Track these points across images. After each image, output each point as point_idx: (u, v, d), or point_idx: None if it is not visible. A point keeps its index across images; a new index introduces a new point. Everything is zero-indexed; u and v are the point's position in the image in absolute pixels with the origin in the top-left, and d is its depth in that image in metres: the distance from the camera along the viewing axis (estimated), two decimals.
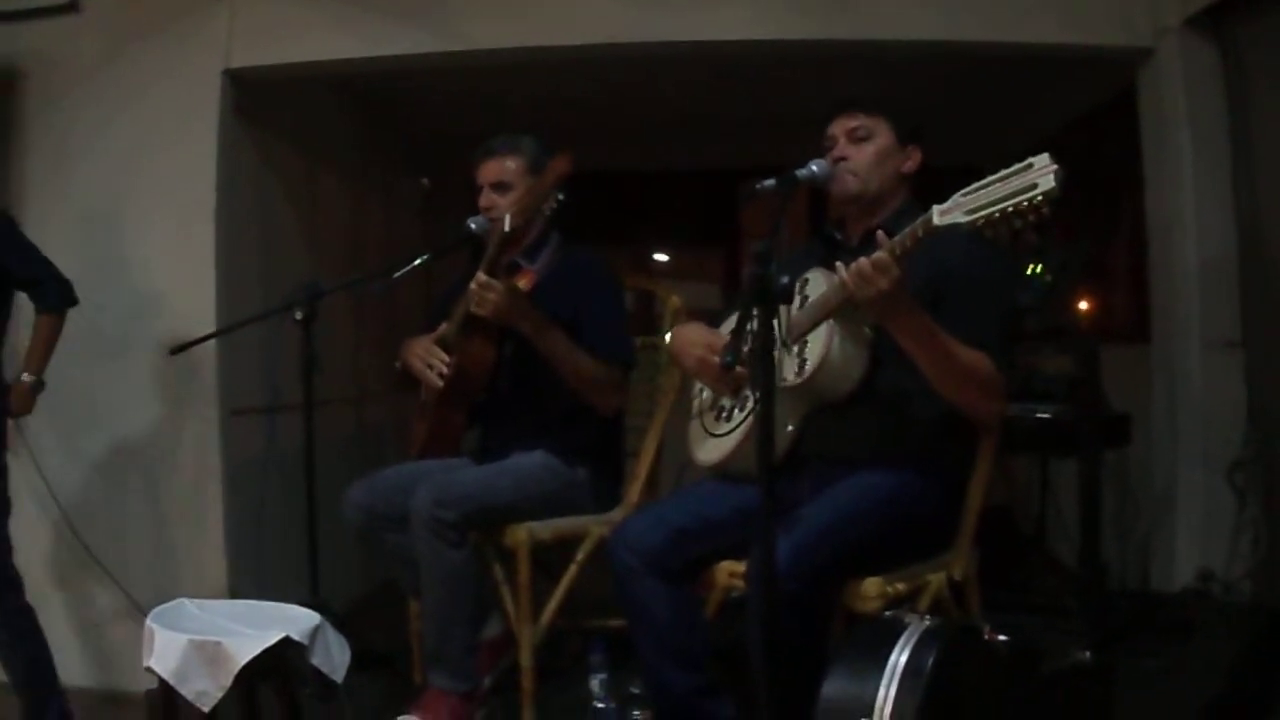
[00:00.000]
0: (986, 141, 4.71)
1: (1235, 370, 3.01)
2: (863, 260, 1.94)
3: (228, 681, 1.92)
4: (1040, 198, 1.68)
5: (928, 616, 1.87)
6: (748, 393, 2.30)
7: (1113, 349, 3.39)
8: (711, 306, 4.58)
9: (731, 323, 1.85)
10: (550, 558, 2.78)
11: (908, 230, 1.91)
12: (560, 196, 2.64)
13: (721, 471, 2.36)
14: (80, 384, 3.15)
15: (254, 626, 2.02)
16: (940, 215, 1.84)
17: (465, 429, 2.91)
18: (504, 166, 2.80)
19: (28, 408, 2.83)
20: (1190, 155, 3.05)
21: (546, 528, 2.69)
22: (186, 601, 2.17)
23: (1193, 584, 2.98)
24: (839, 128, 2.33)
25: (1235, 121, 3.02)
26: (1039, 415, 3.29)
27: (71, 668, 3.13)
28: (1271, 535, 2.90)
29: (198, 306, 3.20)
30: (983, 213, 1.76)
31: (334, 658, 2.09)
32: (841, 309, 2.09)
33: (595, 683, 2.58)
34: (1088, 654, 2.63)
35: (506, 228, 2.63)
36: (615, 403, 2.82)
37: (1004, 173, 1.75)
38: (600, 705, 2.55)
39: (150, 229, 3.24)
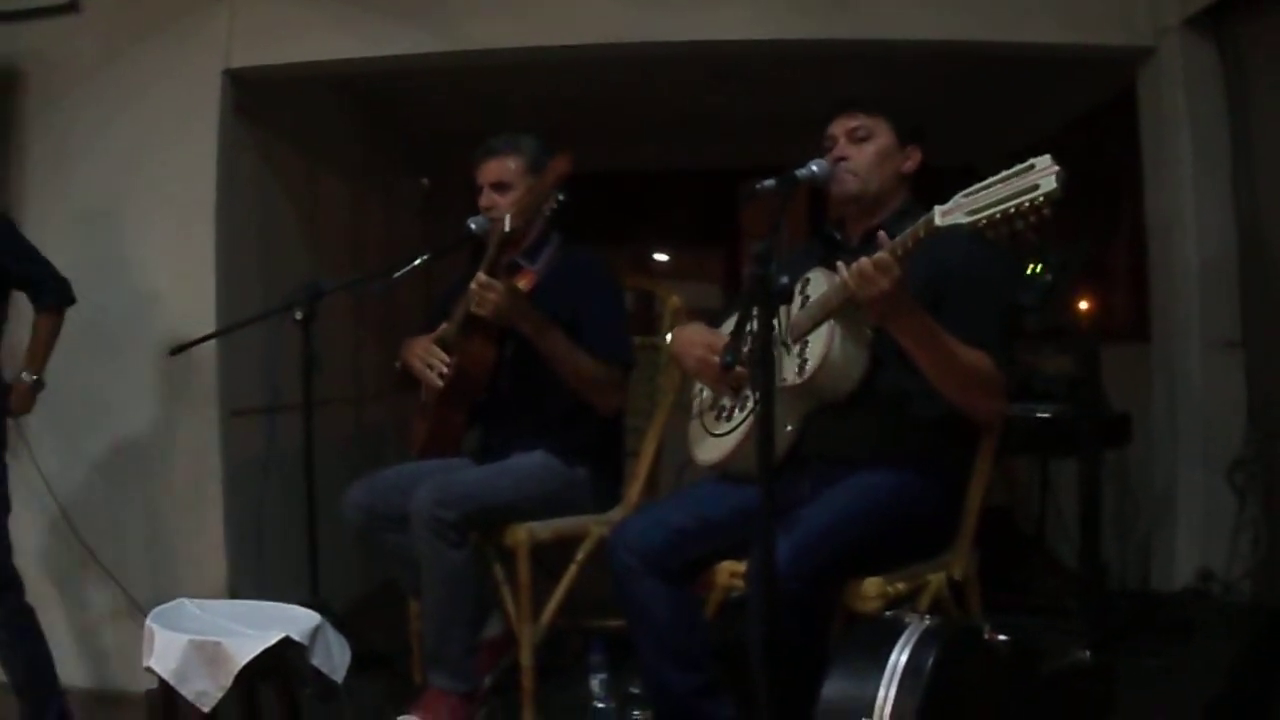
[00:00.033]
0: (986, 141, 4.72)
1: (1235, 370, 3.01)
2: (864, 260, 1.94)
3: (228, 682, 1.92)
4: (1042, 199, 1.68)
5: (928, 616, 1.87)
6: (748, 393, 2.30)
7: (1113, 349, 3.39)
8: (711, 306, 4.58)
9: (731, 323, 1.85)
10: (550, 557, 2.78)
11: (909, 231, 1.91)
12: (560, 197, 2.64)
13: (721, 471, 2.36)
14: (80, 384, 3.15)
15: (254, 627, 2.02)
16: (942, 216, 1.84)
17: (465, 429, 2.91)
18: (504, 166, 2.80)
19: (27, 407, 2.83)
20: (1190, 155, 3.05)
21: (546, 527, 2.69)
22: (186, 601, 2.17)
23: (1193, 584, 2.98)
24: (839, 128, 2.33)
25: (1235, 121, 3.02)
26: (1039, 415, 3.29)
27: (71, 668, 3.14)
28: (1271, 535, 2.90)
29: (198, 306, 3.20)
30: (984, 213, 1.76)
31: (334, 658, 2.09)
32: (842, 309, 2.09)
33: (595, 683, 2.58)
34: (1088, 654, 2.64)
35: (507, 228, 2.63)
36: (615, 403, 2.82)
37: (1005, 173, 1.74)
38: (600, 705, 2.55)
39: (150, 229, 3.24)
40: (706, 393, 2.51)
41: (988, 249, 2.07)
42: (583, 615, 2.88)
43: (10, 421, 2.82)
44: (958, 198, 1.82)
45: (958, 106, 4.33)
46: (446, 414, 2.84)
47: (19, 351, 2.84)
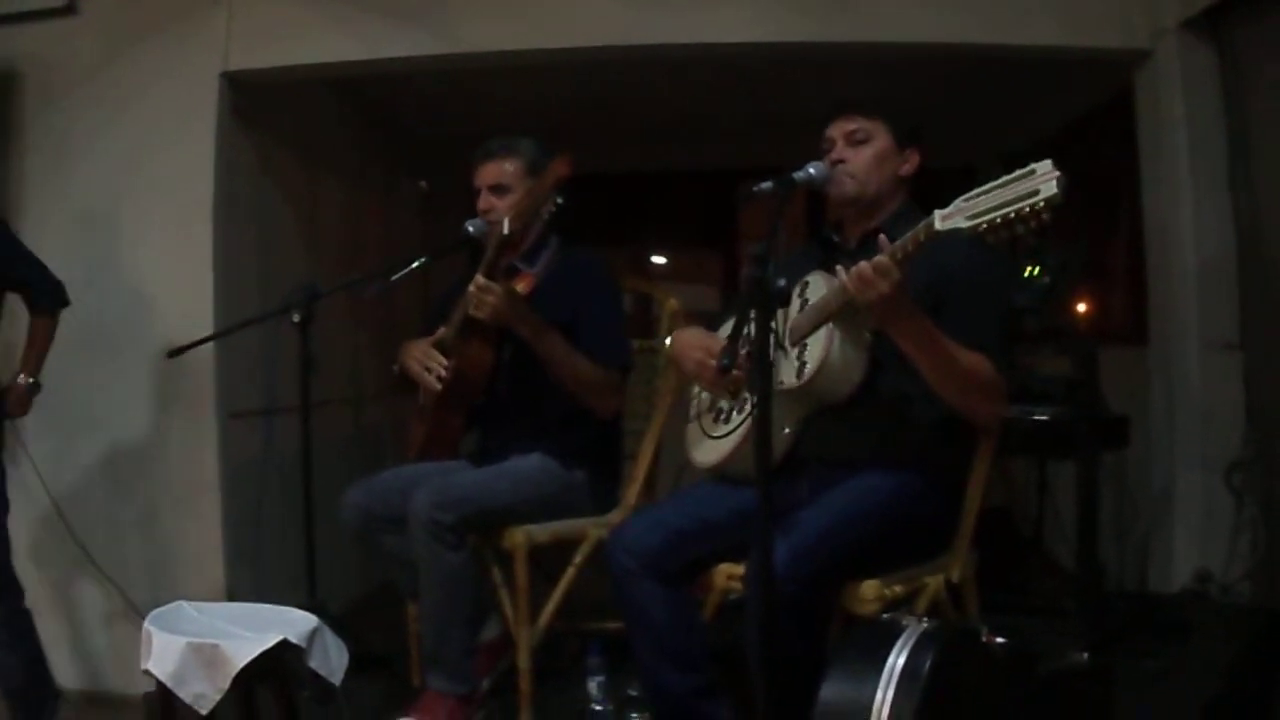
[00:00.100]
0: (985, 143, 4.73)
1: (1233, 371, 3.01)
2: (864, 264, 1.94)
3: (225, 684, 1.92)
4: (1042, 203, 1.68)
5: (925, 619, 1.87)
6: (746, 395, 2.30)
7: (1111, 351, 3.40)
8: (710, 309, 4.59)
9: (729, 326, 1.85)
10: (548, 560, 2.78)
11: (909, 235, 1.91)
12: (559, 199, 2.64)
13: (719, 473, 2.36)
14: (78, 386, 3.15)
15: (252, 629, 2.02)
16: (942, 220, 1.84)
17: (463, 432, 2.91)
18: (502, 169, 2.80)
19: (24, 409, 2.83)
20: (1188, 157, 3.05)
21: (544, 530, 2.69)
22: (184, 604, 2.17)
23: (1191, 585, 2.98)
24: (837, 130, 2.33)
25: (1233, 123, 3.02)
26: (1037, 417, 3.29)
27: (68, 670, 3.14)
28: (1270, 536, 2.90)
29: (196, 309, 3.19)
30: (984, 218, 1.76)
31: (332, 660, 2.09)
32: (842, 312, 2.09)
33: (593, 685, 2.59)
34: (1086, 655, 2.63)
35: (505, 230, 2.63)
36: (613, 405, 2.82)
37: (1006, 178, 1.74)
38: (598, 707, 2.55)
39: (148, 231, 3.24)
40: (705, 395, 2.51)
41: (987, 253, 2.08)
42: (581, 618, 2.89)
43: (7, 424, 2.83)
44: (958, 202, 1.82)
45: (956, 108, 4.34)
46: (444, 417, 2.84)
47: (14, 354, 2.84)
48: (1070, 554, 3.43)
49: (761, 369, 1.78)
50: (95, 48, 3.27)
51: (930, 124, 2.38)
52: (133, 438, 3.25)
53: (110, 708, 3.13)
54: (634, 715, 2.45)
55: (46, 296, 2.81)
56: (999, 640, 2.04)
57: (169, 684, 1.94)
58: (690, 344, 2.36)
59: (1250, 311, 2.99)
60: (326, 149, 4.16)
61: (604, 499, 2.85)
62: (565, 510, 2.75)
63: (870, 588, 2.10)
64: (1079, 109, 4.10)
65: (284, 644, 1.97)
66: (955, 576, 2.29)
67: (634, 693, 2.47)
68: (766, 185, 1.98)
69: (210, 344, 3.07)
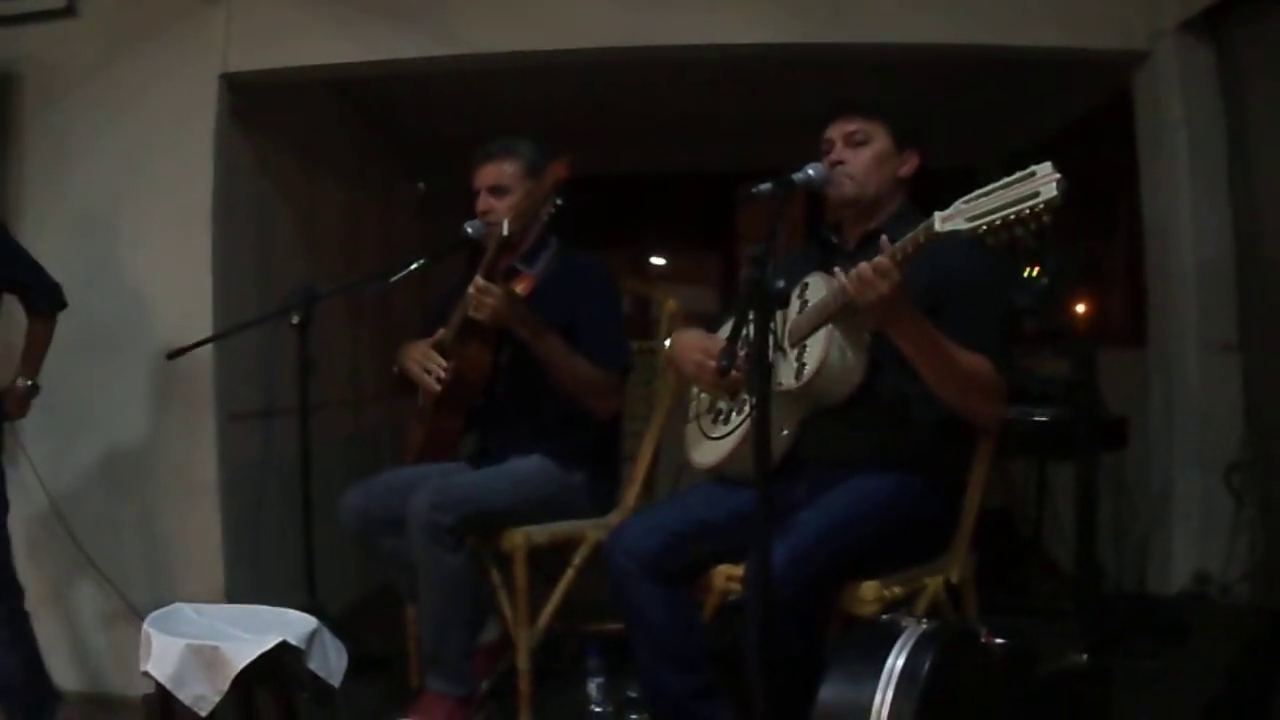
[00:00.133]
0: (985, 143, 4.73)
1: (1232, 373, 3.01)
2: (864, 265, 1.94)
3: (225, 686, 1.92)
4: (1042, 205, 1.69)
5: (925, 620, 1.87)
6: (745, 396, 2.30)
7: (1110, 352, 3.39)
8: (709, 310, 4.60)
9: (729, 327, 1.85)
10: (547, 561, 2.78)
11: (909, 236, 1.91)
12: (558, 201, 2.64)
13: (718, 475, 2.36)
14: (77, 388, 3.14)
15: (251, 631, 2.02)
16: (942, 222, 1.84)
17: (462, 433, 2.91)
18: (501, 170, 2.80)
19: (22, 411, 2.83)
20: (1187, 158, 3.05)
21: (543, 531, 2.69)
22: (183, 606, 2.17)
23: (1190, 586, 2.97)
24: (836, 131, 2.33)
25: (1232, 124, 3.02)
26: (1036, 418, 3.29)
27: (67, 672, 3.14)
28: (1269, 537, 2.90)
29: (194, 310, 3.19)
30: (984, 220, 1.76)
31: (331, 662, 2.09)
32: (841, 314, 2.09)
33: (592, 686, 2.58)
34: (1084, 656, 2.63)
35: (504, 232, 2.63)
36: (612, 407, 2.82)
37: (1006, 180, 1.75)
38: (597, 709, 2.55)
39: (147, 232, 3.24)
40: (704, 396, 2.51)
41: (987, 254, 2.08)
42: (580, 619, 2.88)
43: (6, 425, 2.83)
44: (958, 204, 1.82)
45: (956, 109, 4.34)
46: (443, 418, 2.84)
47: (13, 356, 2.83)
48: (1069, 555, 3.42)
49: (760, 370, 1.78)
50: (95, 49, 3.27)
51: (930, 125, 2.38)
52: (132, 439, 3.25)
53: (109, 710, 3.13)
54: (633, 717, 2.45)
55: (44, 298, 2.81)
56: (998, 641, 2.04)
57: (168, 686, 1.94)
58: (689, 345, 2.36)
59: (1249, 312, 2.99)
60: (325, 150, 4.16)
61: (603, 500, 2.85)
62: (564, 512, 2.75)
63: (869, 589, 2.10)
64: (1078, 110, 4.10)
65: (283, 646, 1.97)
66: (954, 577, 2.29)
67: (633, 694, 2.47)
68: (765, 187, 1.98)
69: (209, 346, 3.08)
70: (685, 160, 5.47)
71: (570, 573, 2.74)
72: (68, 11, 3.26)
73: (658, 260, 6.12)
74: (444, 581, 2.56)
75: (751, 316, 1.77)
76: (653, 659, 2.24)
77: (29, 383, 2.80)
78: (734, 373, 1.78)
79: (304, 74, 3.36)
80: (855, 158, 2.30)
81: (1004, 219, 1.73)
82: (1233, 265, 3.02)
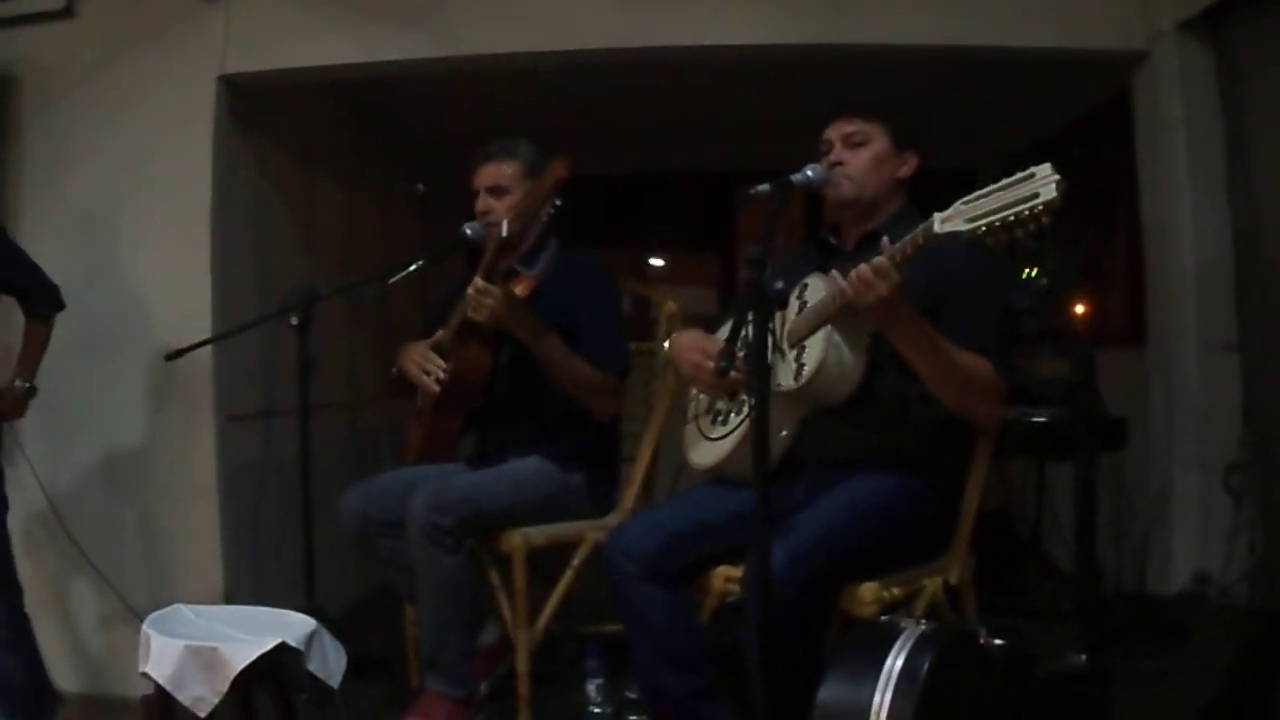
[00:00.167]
0: (984, 144, 4.73)
1: (1231, 373, 3.01)
2: (863, 266, 1.94)
3: (224, 687, 1.92)
4: (1041, 207, 1.69)
5: (924, 621, 1.88)
6: (744, 397, 2.30)
7: (1109, 352, 3.40)
8: (708, 311, 4.59)
9: (728, 328, 1.85)
10: (546, 563, 2.78)
11: (908, 238, 1.90)
12: (558, 202, 2.64)
13: (717, 475, 2.36)
14: (76, 389, 3.14)
15: (250, 632, 2.02)
16: (941, 223, 1.84)
17: (461, 434, 2.91)
18: (501, 171, 2.80)
19: (20, 412, 2.83)
20: (1185, 158, 3.05)
21: (542, 533, 2.69)
22: (183, 607, 2.17)
23: (1189, 587, 2.98)
24: (835, 132, 2.33)
25: (1230, 124, 3.02)
26: (1035, 419, 3.29)
27: (66, 673, 3.14)
28: (1268, 538, 2.90)
29: (193, 312, 3.19)
30: (983, 221, 1.76)
31: (330, 663, 2.09)
32: (840, 314, 2.09)
33: (591, 688, 2.59)
34: (1084, 657, 2.63)
35: (504, 233, 2.63)
36: (611, 408, 2.82)
37: (1005, 181, 1.75)
38: (596, 710, 2.55)
39: (146, 234, 3.24)
40: (703, 397, 2.51)
41: (986, 255, 2.07)
42: (579, 621, 2.89)
43: (4, 426, 2.83)
44: (957, 205, 1.82)
45: (955, 109, 4.34)
46: (442, 419, 2.84)
47: (10, 357, 2.83)
48: (1068, 556, 3.43)
49: (759, 371, 1.78)
50: (93, 51, 3.27)
51: (930, 125, 2.38)
52: (131, 440, 3.25)
53: (108, 711, 3.12)
54: (632, 718, 2.45)
55: (42, 300, 2.81)
56: (997, 642, 2.04)
57: (167, 687, 1.94)
58: (688, 346, 2.36)
59: (1248, 313, 2.99)
60: (324, 152, 4.16)
61: (602, 501, 2.85)
62: (563, 513, 2.75)
63: (868, 590, 2.10)
64: (1078, 110, 4.10)
65: (282, 647, 1.97)
66: (953, 578, 2.29)
67: (632, 695, 2.48)
68: (764, 188, 1.98)
69: (208, 347, 3.07)
70: (685, 161, 5.48)
71: (569, 574, 2.74)
72: (66, 13, 3.26)
73: (657, 261, 6.12)
74: (443, 583, 2.56)
75: (750, 317, 1.77)
76: (652, 660, 2.23)
77: (26, 384, 2.80)
78: (733, 374, 1.78)
79: (303, 75, 3.36)
80: (854, 159, 2.30)
81: (1003, 220, 1.73)
82: (1232, 265, 3.02)
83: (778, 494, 1.93)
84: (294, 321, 2.86)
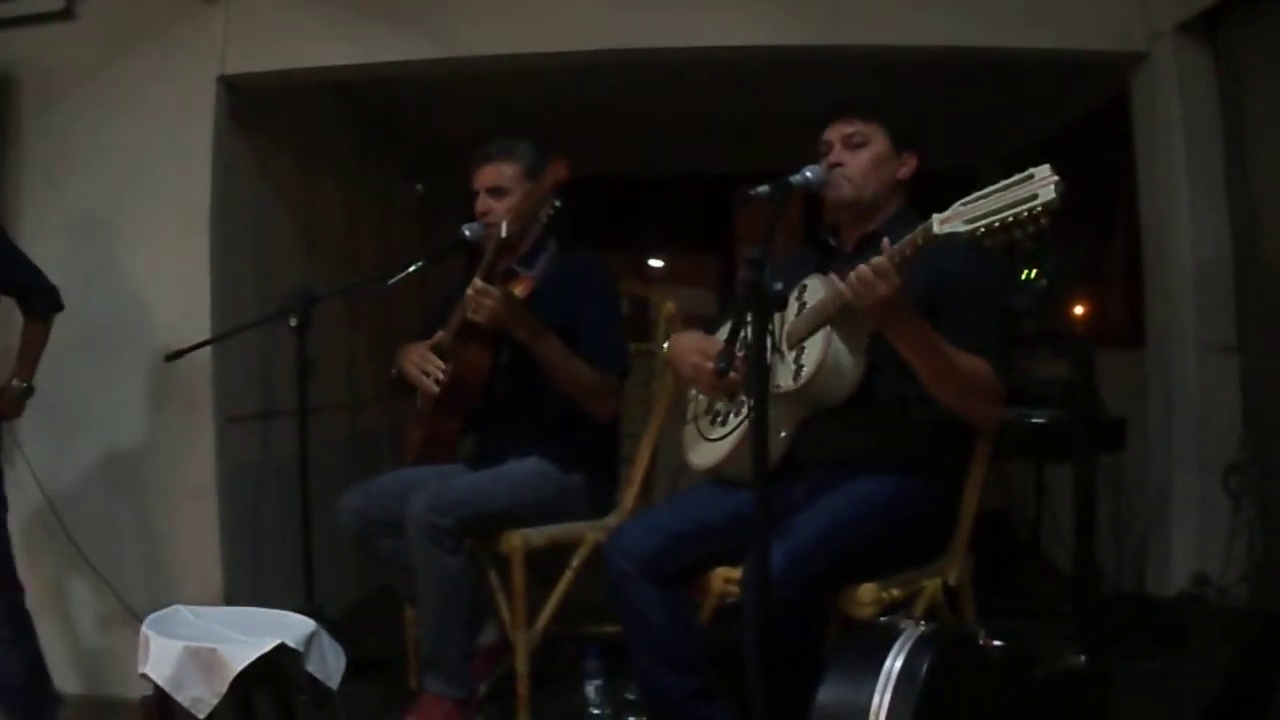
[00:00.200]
0: (984, 145, 4.73)
1: (1230, 374, 3.01)
2: (863, 267, 1.94)
3: (223, 688, 1.92)
4: (1040, 208, 1.69)
5: (923, 622, 1.87)
6: (743, 398, 2.30)
7: (1108, 353, 3.40)
8: (707, 313, 4.59)
9: (727, 329, 1.85)
10: (545, 564, 2.78)
11: (907, 239, 1.90)
12: (557, 203, 2.64)
13: (716, 476, 2.36)
14: (75, 389, 3.14)
15: (249, 633, 2.02)
16: (940, 224, 1.84)
17: (461, 435, 2.91)
18: (500, 171, 2.80)
19: (17, 412, 2.83)
20: (1184, 159, 3.05)
21: (541, 534, 2.69)
22: (182, 608, 2.17)
23: (1188, 588, 2.98)
24: (834, 133, 2.33)
25: (1229, 125, 3.02)
26: (1034, 420, 3.29)
27: (65, 675, 3.13)
28: (1267, 539, 2.90)
29: (193, 312, 3.19)
30: (982, 222, 1.76)
31: (329, 664, 2.08)
32: (839, 315, 2.09)
33: (590, 689, 2.59)
34: (1083, 658, 2.63)
35: (503, 233, 2.63)
36: (611, 409, 2.82)
37: (1004, 183, 1.75)
38: (596, 711, 2.55)
39: (146, 234, 3.23)
40: (702, 397, 2.51)
41: (985, 256, 2.07)
42: (578, 621, 2.88)
43: (3, 426, 2.82)
44: (956, 206, 1.82)
45: (955, 109, 4.34)
46: (442, 420, 2.84)
47: (9, 357, 2.83)
48: (1067, 557, 3.43)
49: (758, 372, 1.78)
50: (93, 52, 3.27)
51: (930, 125, 2.38)
52: (130, 441, 3.25)
53: (107, 712, 3.12)
54: (631, 718, 2.45)
55: (41, 301, 2.81)
56: (996, 643, 2.04)
57: (166, 688, 1.93)
58: (688, 347, 2.36)
59: (1247, 314, 3.00)
60: (324, 153, 4.16)
61: (601, 502, 2.85)
62: (562, 514, 2.75)
63: (867, 591, 2.10)
64: (1077, 111, 4.11)
65: (281, 648, 1.97)
66: (952, 579, 2.29)
67: (631, 696, 2.48)
68: (763, 189, 1.98)
69: (208, 348, 3.07)
70: (684, 162, 5.48)
71: (568, 575, 2.74)
72: (65, 14, 3.26)
73: (656, 262, 6.12)
74: (442, 583, 2.56)
75: (749, 318, 1.77)
76: (651, 661, 2.23)
77: (24, 384, 2.80)
78: (732, 374, 1.78)
79: (302, 76, 3.36)
80: (853, 160, 2.30)
81: (1002, 221, 1.73)
82: (1231, 266, 3.02)
83: (777, 495, 1.93)
84: (293, 322, 2.86)
